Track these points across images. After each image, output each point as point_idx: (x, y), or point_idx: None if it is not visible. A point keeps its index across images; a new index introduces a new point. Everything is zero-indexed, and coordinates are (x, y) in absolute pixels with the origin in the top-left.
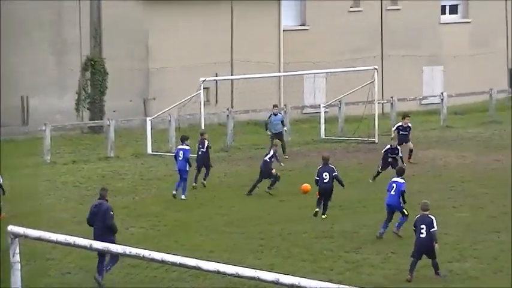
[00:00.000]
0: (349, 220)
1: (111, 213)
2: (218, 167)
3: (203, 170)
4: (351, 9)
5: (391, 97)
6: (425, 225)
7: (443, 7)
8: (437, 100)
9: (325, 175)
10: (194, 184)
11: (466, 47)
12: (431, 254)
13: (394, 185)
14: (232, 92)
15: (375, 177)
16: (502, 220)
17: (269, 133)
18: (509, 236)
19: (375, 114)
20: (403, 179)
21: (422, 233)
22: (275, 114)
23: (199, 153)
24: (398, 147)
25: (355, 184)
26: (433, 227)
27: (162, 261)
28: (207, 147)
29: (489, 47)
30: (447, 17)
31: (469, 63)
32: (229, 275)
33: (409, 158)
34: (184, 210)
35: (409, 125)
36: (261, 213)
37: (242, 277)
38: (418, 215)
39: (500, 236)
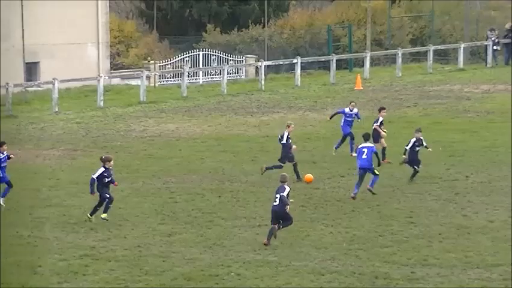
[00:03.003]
0: None
1: None
2: None
3: None
4: None
5: None
6: (279, 194)
7: None
8: None
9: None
10: None
11: None
12: (284, 220)
13: (364, 149)
14: None
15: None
16: (18, 216)
17: None
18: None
19: None
20: (370, 143)
21: (275, 202)
22: None
23: None
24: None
25: None
26: (283, 194)
27: None
28: None
29: (5, 41)
30: None
31: None
32: None
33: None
34: None
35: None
36: None
37: None
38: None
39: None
